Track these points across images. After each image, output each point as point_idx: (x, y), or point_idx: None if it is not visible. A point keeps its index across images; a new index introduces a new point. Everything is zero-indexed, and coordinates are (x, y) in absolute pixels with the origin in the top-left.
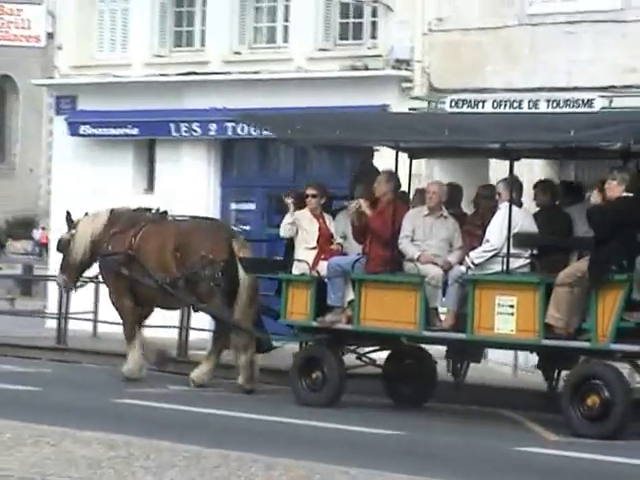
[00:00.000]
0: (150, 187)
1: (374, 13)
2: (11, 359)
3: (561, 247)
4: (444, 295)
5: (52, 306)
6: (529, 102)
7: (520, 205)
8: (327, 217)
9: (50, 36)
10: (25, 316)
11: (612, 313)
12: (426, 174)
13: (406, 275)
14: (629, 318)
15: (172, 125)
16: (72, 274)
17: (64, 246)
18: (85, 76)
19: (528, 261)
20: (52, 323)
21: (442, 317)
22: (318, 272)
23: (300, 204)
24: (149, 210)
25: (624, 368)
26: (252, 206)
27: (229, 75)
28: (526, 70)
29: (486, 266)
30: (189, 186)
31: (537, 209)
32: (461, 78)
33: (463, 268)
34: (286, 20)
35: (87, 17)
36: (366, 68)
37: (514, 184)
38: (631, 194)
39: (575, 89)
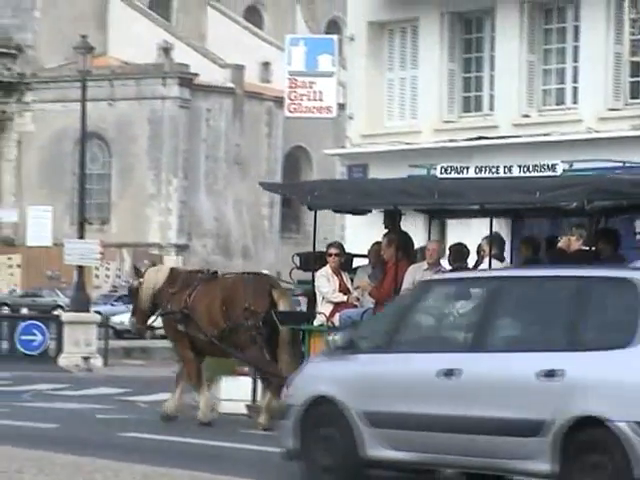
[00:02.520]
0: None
1: None
2: None
3: None
4: None
5: None
6: (504, 167)
7: (502, 260)
8: (344, 274)
9: (341, 107)
10: None
11: None
12: None
13: None
14: None
15: None
16: (140, 318)
17: (133, 293)
18: (376, 144)
19: None
20: None
21: None
22: (333, 323)
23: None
24: (201, 272)
25: None
26: None
27: (518, 138)
28: None
29: None
30: None
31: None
32: None
33: None
34: (575, 81)
35: (377, 86)
36: None
37: (495, 240)
38: (587, 247)
39: None
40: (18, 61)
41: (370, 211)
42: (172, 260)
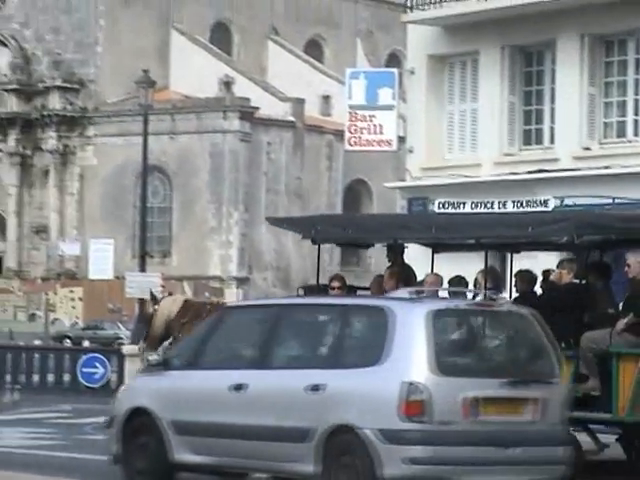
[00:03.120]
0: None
1: None
2: None
3: None
4: None
5: None
6: (499, 203)
7: (500, 292)
8: None
9: (401, 140)
10: None
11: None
12: None
13: None
14: (578, 389)
15: None
16: (152, 344)
17: (148, 319)
18: (436, 177)
19: None
20: None
21: None
22: None
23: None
24: (211, 303)
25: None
26: None
27: (579, 171)
28: None
29: None
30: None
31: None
32: None
33: None
34: (636, 114)
35: (436, 119)
36: None
37: (490, 273)
38: (577, 280)
39: None
40: (81, 95)
41: (373, 245)
42: (233, 293)
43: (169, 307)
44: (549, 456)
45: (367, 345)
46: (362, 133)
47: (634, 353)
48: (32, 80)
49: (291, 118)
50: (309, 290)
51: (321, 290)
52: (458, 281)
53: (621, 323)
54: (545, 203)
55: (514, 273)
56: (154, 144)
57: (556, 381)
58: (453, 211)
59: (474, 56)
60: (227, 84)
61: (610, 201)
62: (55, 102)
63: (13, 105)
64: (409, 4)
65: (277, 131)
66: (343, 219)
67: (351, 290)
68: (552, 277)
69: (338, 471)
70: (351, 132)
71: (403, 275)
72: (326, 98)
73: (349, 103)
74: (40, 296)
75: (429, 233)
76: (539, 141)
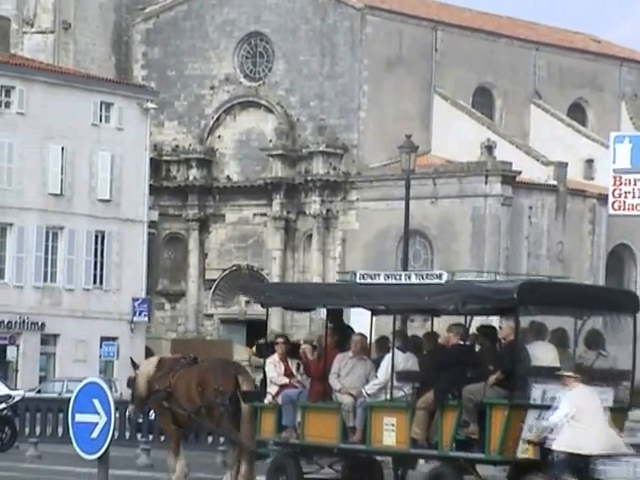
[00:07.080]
0: None
1: None
2: None
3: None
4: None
5: None
6: (405, 275)
7: (411, 350)
8: (290, 360)
9: None
10: None
11: (450, 429)
12: None
13: (332, 403)
14: (461, 433)
15: None
16: (138, 405)
17: (131, 383)
18: None
19: (410, 392)
20: None
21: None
22: (277, 401)
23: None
24: (184, 358)
25: None
26: None
27: None
28: None
29: (378, 395)
30: None
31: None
32: None
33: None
34: None
35: None
36: None
37: (398, 335)
38: (462, 342)
39: None
40: (344, 160)
41: (314, 308)
42: None
43: (146, 369)
44: None
45: None
46: (626, 197)
47: (502, 403)
48: (296, 145)
49: (553, 182)
50: (259, 346)
51: (268, 346)
52: (382, 341)
53: (492, 378)
54: (440, 276)
55: (422, 334)
56: (416, 208)
57: None
58: (370, 281)
59: None
60: (489, 148)
61: (493, 277)
62: (319, 167)
63: (278, 170)
64: None
65: (539, 195)
66: (286, 287)
67: (294, 346)
68: (440, 340)
69: None
70: (615, 196)
71: (341, 334)
72: (589, 162)
73: (613, 167)
74: None
75: (351, 300)
76: None
